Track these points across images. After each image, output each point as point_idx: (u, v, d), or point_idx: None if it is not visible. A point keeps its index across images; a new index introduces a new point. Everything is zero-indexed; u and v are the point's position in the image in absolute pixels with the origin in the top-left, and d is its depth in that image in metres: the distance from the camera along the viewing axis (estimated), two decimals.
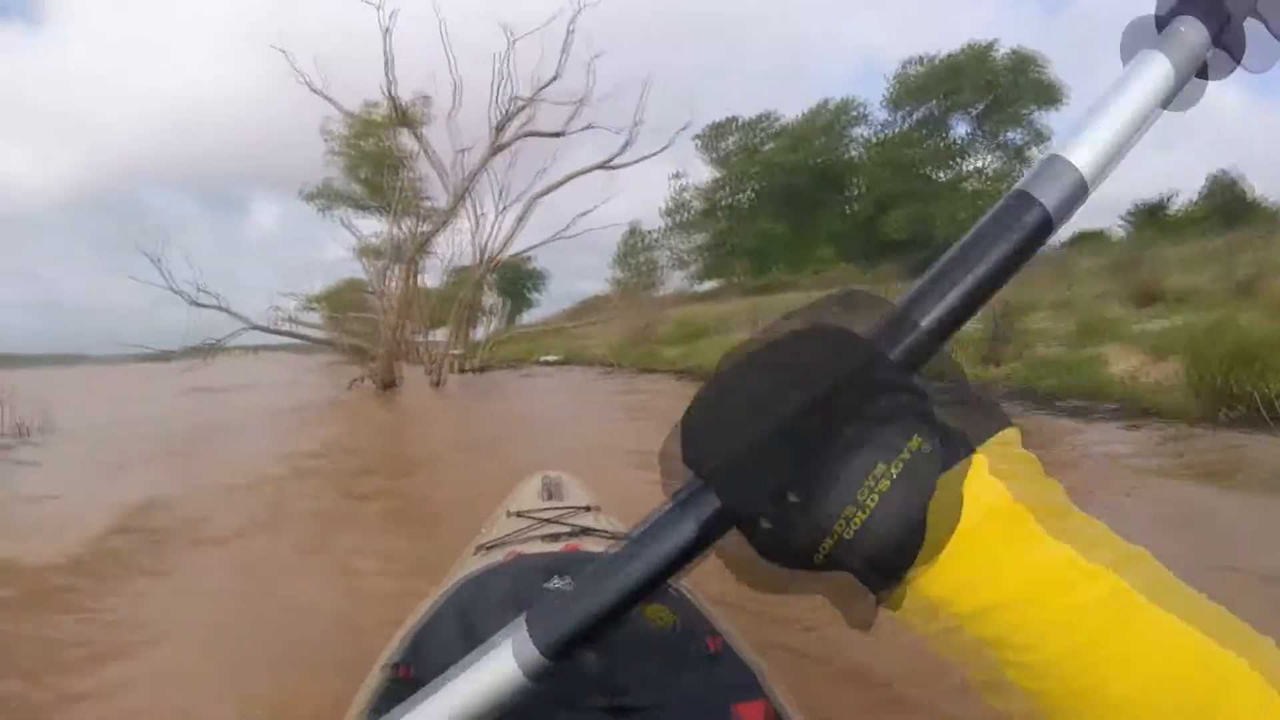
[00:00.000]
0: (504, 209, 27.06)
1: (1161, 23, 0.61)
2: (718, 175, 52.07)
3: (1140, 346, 14.83)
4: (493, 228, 27.15)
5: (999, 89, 41.23)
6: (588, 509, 2.88)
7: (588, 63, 24.28)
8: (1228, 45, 0.60)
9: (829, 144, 47.03)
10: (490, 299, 37.65)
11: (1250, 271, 18.40)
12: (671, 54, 74.95)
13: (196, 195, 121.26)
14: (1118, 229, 37.34)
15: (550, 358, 31.14)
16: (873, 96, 47.93)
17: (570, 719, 1.39)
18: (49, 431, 14.75)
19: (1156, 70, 0.58)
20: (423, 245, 26.19)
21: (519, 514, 2.79)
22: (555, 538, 2.45)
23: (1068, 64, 42.78)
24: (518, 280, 58.95)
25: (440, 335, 28.07)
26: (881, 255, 39.83)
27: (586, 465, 4.83)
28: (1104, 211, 35.29)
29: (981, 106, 42.42)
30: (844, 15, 77.64)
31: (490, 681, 0.60)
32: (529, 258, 60.68)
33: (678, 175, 53.24)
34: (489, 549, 2.47)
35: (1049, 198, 0.54)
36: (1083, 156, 0.55)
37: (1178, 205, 37.46)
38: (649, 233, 53.30)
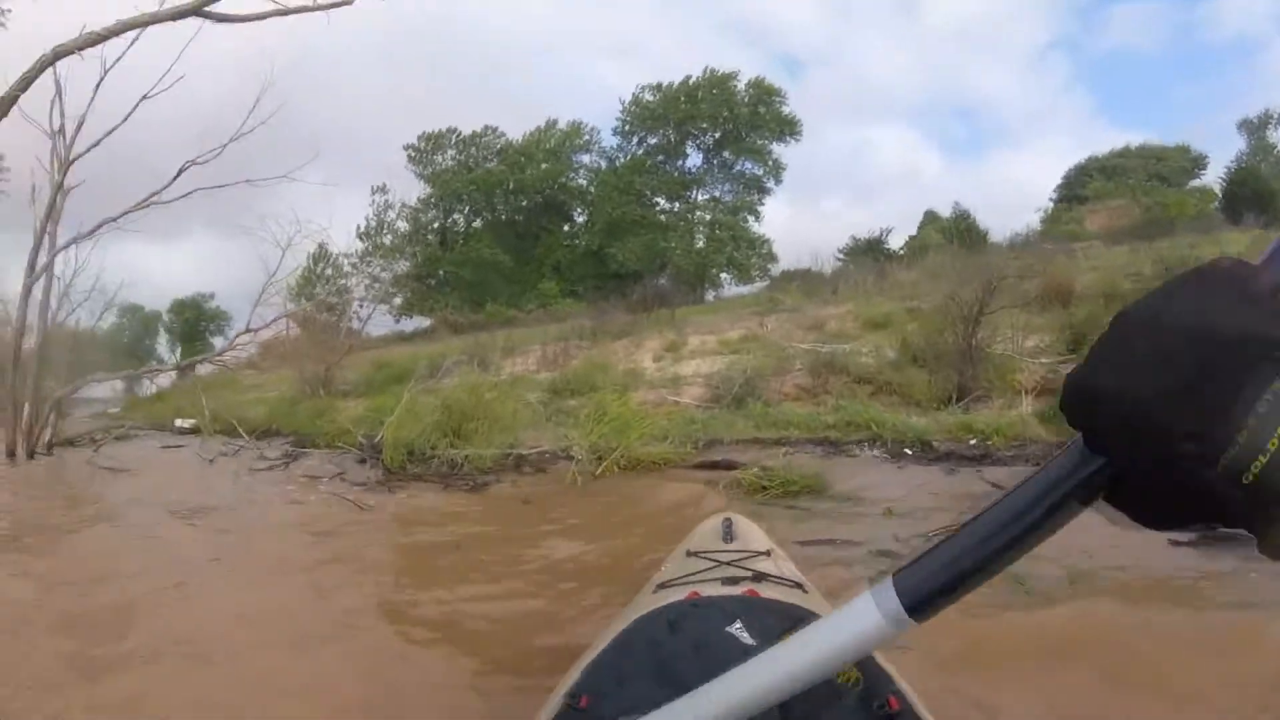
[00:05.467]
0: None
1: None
2: (429, 193, 40.40)
3: None
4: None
5: (737, 119, 35.32)
6: (764, 554, 2.59)
7: None
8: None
9: (555, 168, 38.28)
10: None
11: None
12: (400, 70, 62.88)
13: None
14: (836, 262, 31.74)
15: (185, 423, 17.89)
16: (606, 132, 39.77)
17: None
18: None
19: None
20: None
21: (698, 554, 2.63)
22: (734, 581, 2.27)
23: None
24: (195, 321, 46.74)
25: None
26: (610, 287, 31.90)
27: None
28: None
29: (717, 136, 36.07)
30: (596, 62, 68.56)
31: (853, 632, 0.64)
32: (208, 295, 47.85)
33: (381, 190, 40.65)
34: (668, 587, 2.31)
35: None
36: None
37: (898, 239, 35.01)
38: (342, 256, 38.34)
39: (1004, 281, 11.87)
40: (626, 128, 37.40)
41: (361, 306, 33.69)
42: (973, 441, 8.74)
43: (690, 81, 35.37)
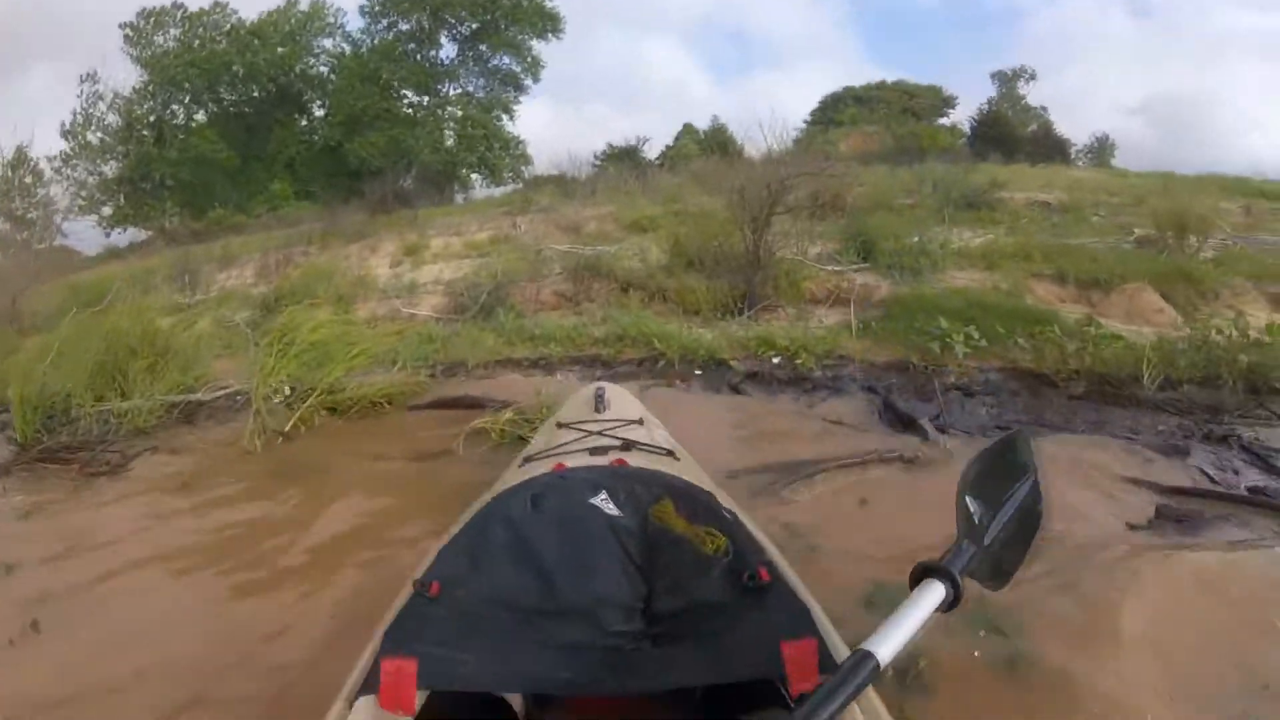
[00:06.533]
0: None
1: (914, 581, 1.15)
2: (146, 80, 32.84)
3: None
4: None
5: (497, 9, 31.54)
6: (636, 422, 2.60)
7: None
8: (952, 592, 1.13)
9: (292, 52, 32.92)
10: None
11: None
12: None
13: None
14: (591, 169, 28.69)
15: None
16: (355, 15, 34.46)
17: (611, 644, 1.42)
18: None
19: (928, 601, 1.11)
20: None
21: (567, 425, 2.58)
22: (603, 450, 2.25)
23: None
24: None
25: None
26: (348, 187, 28.16)
27: None
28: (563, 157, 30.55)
29: (475, 26, 32.27)
30: None
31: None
32: None
33: (91, 77, 32.68)
34: (534, 460, 2.27)
35: (883, 655, 0.99)
36: (885, 651, 1.00)
37: (654, 150, 32.55)
38: (42, 160, 30.70)
39: (794, 181, 10.14)
40: (377, 8, 32.59)
41: (64, 219, 28.08)
42: (776, 359, 6.86)
43: None
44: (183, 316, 9.71)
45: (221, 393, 7.10)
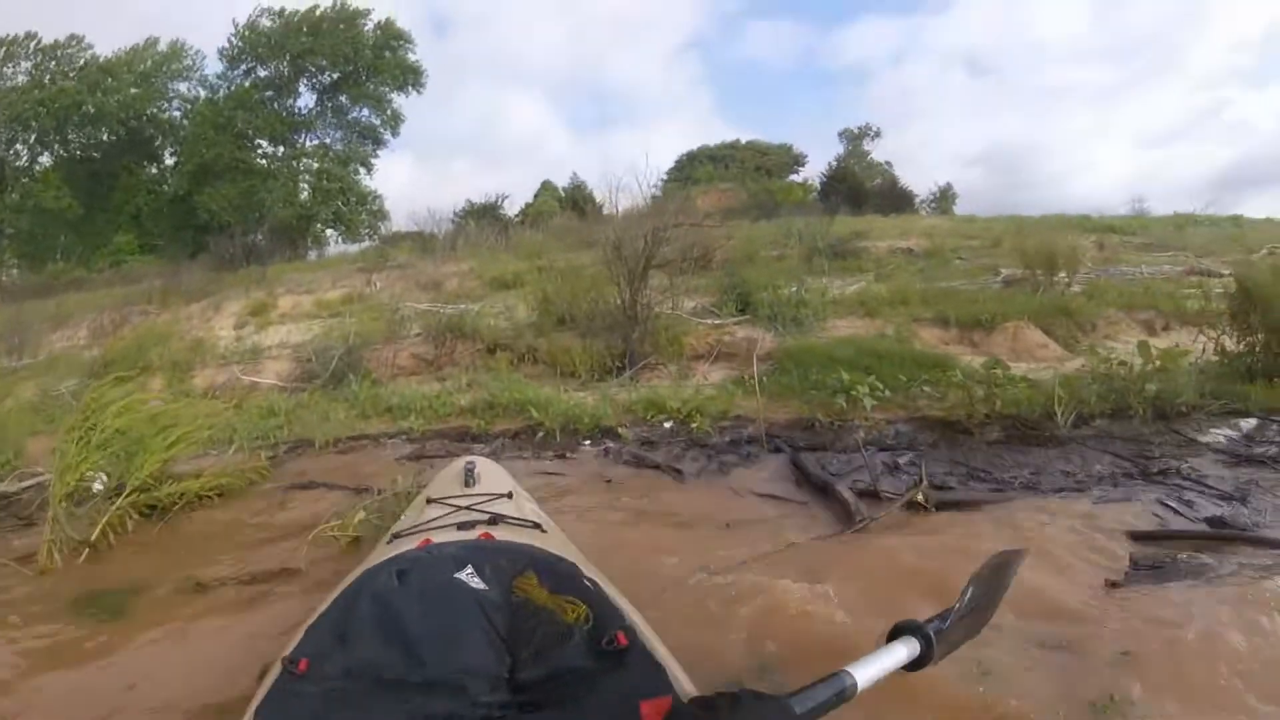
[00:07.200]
0: None
1: (892, 635, 1.31)
2: None
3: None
4: None
5: (359, 60, 30.47)
6: (505, 496, 2.59)
7: None
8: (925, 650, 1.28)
9: (145, 94, 30.72)
10: None
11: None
12: None
13: None
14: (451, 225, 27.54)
15: None
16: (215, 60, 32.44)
17: (478, 715, 1.40)
18: None
19: (901, 653, 1.27)
20: None
21: (437, 501, 2.56)
22: (470, 525, 2.23)
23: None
24: None
25: None
26: (196, 242, 26.65)
27: None
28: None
29: (335, 77, 31.06)
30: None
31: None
32: None
33: None
34: (402, 537, 2.24)
35: (860, 680, 1.16)
36: (861, 677, 1.17)
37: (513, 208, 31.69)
38: None
39: (670, 233, 9.63)
40: (236, 54, 30.78)
41: None
42: (668, 424, 6.16)
43: (316, 12, 29.91)
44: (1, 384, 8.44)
45: (32, 482, 5.84)
